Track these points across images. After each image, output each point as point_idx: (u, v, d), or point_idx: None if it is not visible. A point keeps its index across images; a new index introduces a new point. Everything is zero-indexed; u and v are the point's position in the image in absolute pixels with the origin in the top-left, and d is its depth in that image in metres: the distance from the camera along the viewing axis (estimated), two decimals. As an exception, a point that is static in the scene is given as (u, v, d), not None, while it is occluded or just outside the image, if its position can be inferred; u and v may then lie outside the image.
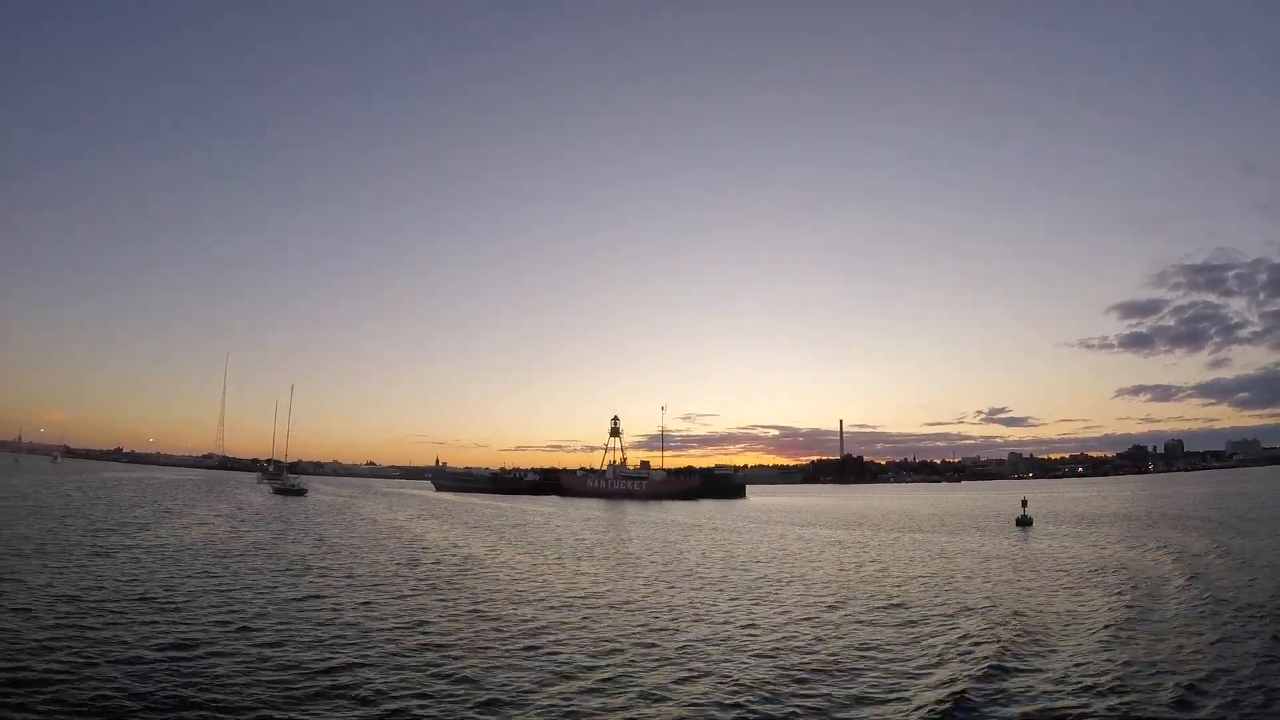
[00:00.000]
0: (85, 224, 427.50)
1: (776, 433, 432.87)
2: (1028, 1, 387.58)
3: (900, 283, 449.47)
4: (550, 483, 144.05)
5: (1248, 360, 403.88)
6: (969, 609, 20.88)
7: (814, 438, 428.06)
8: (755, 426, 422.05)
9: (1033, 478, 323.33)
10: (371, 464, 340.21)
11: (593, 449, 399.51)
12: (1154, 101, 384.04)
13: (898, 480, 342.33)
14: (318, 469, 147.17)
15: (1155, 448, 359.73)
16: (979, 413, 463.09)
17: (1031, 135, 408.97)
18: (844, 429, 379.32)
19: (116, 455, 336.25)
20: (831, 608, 21.19)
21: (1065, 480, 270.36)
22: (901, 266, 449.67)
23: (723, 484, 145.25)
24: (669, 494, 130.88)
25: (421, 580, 25.31)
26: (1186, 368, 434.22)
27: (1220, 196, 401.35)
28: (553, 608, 20.53)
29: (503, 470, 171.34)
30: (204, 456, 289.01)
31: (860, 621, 19.19)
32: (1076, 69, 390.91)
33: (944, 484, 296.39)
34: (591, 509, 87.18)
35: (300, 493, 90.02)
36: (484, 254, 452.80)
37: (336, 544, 36.85)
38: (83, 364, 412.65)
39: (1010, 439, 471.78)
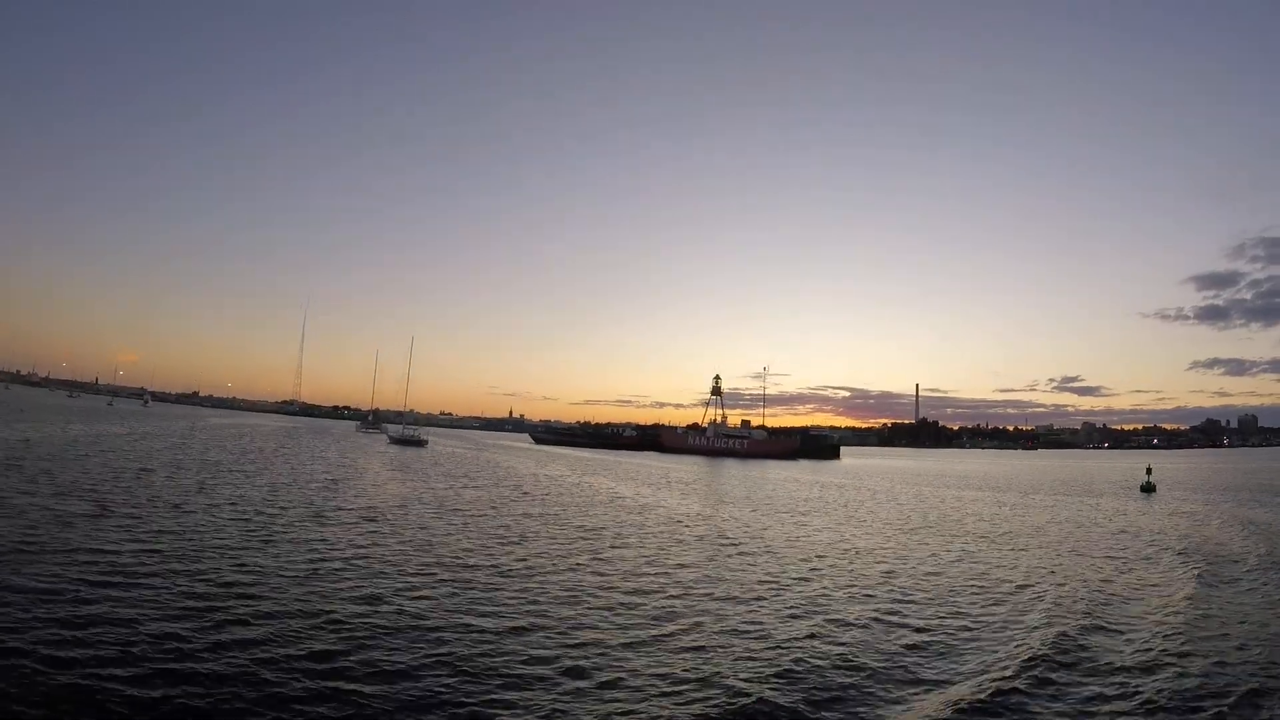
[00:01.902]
0: (168, 170, 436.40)
1: (847, 394, 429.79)
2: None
3: (975, 247, 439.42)
4: (649, 438, 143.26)
5: None
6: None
7: (884, 400, 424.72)
8: (825, 387, 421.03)
9: (1107, 447, 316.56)
10: (447, 414, 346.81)
11: (662, 404, 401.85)
12: (1238, 70, 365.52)
13: (972, 446, 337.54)
14: (398, 417, 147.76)
15: (1228, 422, 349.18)
16: (1050, 380, 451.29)
17: (1112, 102, 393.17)
18: (918, 392, 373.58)
19: (194, 399, 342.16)
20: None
21: (1141, 451, 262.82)
22: (976, 231, 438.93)
23: (820, 445, 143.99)
24: (770, 453, 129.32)
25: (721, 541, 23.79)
26: (1262, 342, 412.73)
27: None
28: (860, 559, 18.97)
29: (601, 424, 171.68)
30: (284, 403, 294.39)
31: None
32: (1158, 37, 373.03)
33: (1019, 451, 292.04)
34: (708, 466, 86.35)
35: (421, 443, 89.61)
36: (553, 211, 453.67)
37: (561, 500, 35.44)
38: (158, 305, 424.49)
39: (1081, 408, 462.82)
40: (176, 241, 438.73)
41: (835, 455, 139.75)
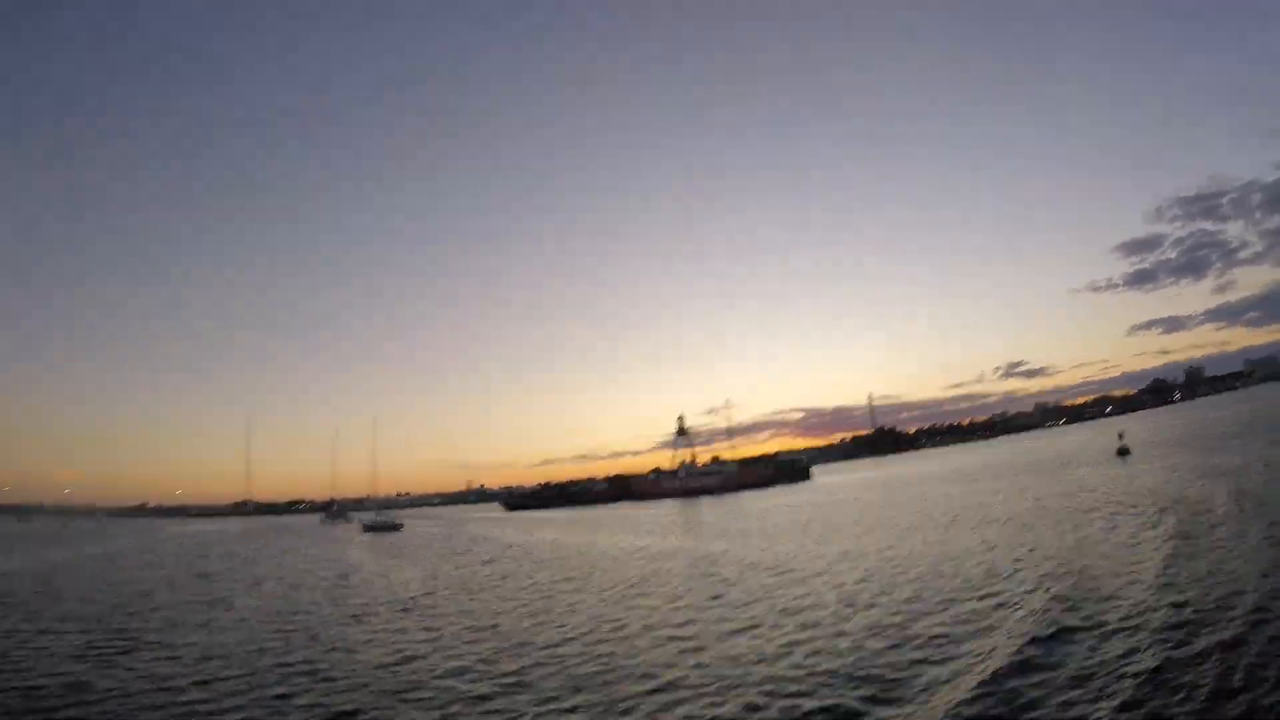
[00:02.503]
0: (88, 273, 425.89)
1: (802, 414, 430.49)
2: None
3: (907, 249, 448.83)
4: (621, 488, 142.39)
5: (1252, 280, 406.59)
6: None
7: (840, 415, 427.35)
8: (779, 412, 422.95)
9: (1064, 423, 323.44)
10: (405, 494, 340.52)
11: (620, 454, 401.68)
12: (1133, 43, 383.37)
13: (931, 445, 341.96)
14: (359, 505, 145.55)
15: (1175, 378, 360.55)
16: (997, 369, 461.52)
17: (1019, 85, 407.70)
18: (871, 402, 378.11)
19: (144, 511, 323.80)
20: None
21: (1099, 421, 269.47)
22: (906, 233, 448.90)
23: (792, 469, 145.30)
24: (745, 484, 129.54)
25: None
26: (1193, 296, 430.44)
27: (1204, 128, 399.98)
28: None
29: (568, 482, 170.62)
30: (237, 504, 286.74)
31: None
32: (1060, 13, 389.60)
33: (980, 442, 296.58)
34: (688, 506, 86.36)
35: (396, 528, 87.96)
36: (490, 276, 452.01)
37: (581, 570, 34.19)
38: (97, 418, 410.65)
39: (1031, 391, 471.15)
40: (111, 349, 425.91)
41: (807, 476, 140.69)
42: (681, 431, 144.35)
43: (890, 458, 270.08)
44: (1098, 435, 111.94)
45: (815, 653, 13.32)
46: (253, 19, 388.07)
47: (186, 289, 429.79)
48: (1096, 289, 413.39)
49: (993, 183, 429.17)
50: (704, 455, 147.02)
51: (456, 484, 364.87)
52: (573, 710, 11.52)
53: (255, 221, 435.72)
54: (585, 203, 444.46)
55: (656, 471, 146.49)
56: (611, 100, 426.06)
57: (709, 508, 76.79)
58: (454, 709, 12.18)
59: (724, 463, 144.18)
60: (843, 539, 31.63)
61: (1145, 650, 11.18)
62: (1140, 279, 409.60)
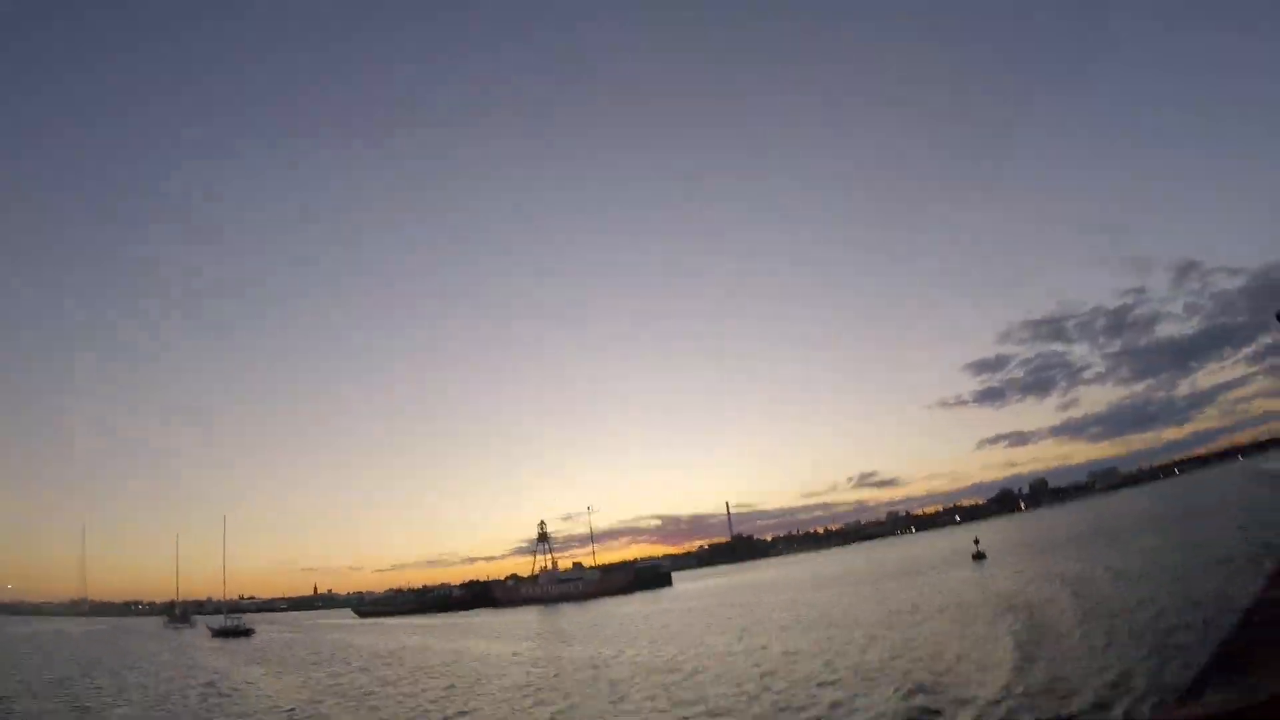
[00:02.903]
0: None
1: (659, 522, 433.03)
2: (870, 73, 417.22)
3: (761, 359, 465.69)
4: (480, 595, 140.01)
5: (1095, 398, 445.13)
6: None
7: (696, 523, 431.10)
8: (637, 519, 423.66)
9: (914, 531, 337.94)
10: (250, 598, 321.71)
11: (473, 560, 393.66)
12: (984, 173, 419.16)
13: (787, 552, 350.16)
14: (199, 608, 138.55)
15: (1021, 489, 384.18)
16: (850, 479, 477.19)
17: (879, 207, 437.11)
18: (729, 510, 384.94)
19: None
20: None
21: (947, 530, 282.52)
22: (760, 344, 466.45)
23: (653, 575, 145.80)
24: (606, 591, 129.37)
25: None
26: (1038, 412, 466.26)
27: (1056, 254, 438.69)
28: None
29: (424, 588, 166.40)
30: (73, 602, 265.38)
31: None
32: (918, 140, 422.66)
33: (834, 549, 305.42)
34: (553, 614, 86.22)
35: (248, 633, 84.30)
36: (334, 380, 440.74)
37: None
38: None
39: (882, 500, 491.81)
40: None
41: (669, 583, 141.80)
42: (542, 537, 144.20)
43: (748, 564, 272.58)
44: (952, 542, 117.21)
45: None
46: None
47: (13, 373, 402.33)
48: (947, 405, 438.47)
49: (849, 301, 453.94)
50: (564, 561, 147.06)
51: (303, 588, 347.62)
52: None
53: (90, 301, 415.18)
54: (432, 311, 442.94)
55: (514, 578, 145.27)
56: (454, 205, 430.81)
57: (573, 615, 77.19)
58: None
59: (585, 569, 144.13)
60: (718, 641, 33.81)
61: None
62: (989, 396, 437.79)
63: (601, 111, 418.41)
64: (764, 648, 29.51)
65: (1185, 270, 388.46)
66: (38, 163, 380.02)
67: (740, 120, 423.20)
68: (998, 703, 15.03)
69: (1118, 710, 12.29)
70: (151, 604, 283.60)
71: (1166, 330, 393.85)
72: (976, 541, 66.06)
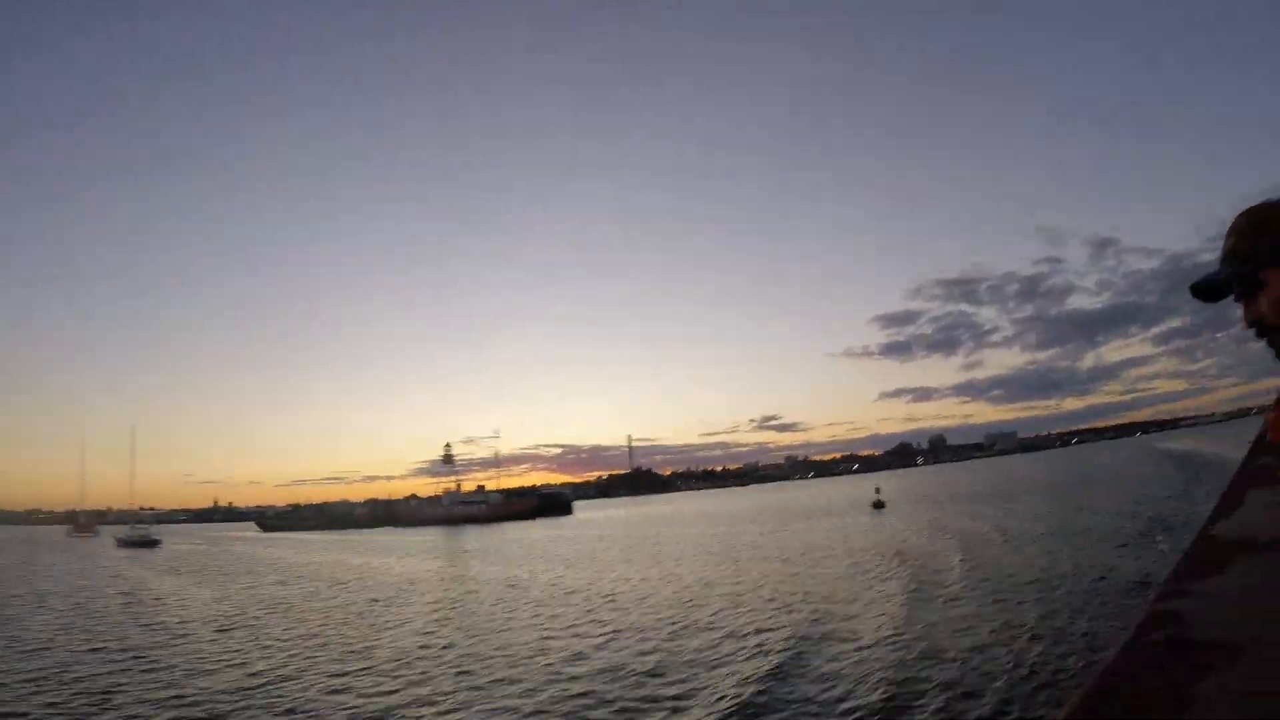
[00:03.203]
0: None
1: (559, 451, 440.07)
2: (812, 25, 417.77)
3: (668, 296, 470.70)
4: (383, 513, 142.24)
5: (999, 361, 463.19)
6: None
7: (596, 454, 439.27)
8: (538, 446, 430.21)
9: (812, 476, 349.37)
10: (149, 509, 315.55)
11: (373, 478, 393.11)
12: (919, 130, 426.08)
13: (686, 488, 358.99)
14: (99, 518, 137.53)
15: (919, 443, 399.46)
16: (751, 421, 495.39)
17: (801, 157, 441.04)
18: (630, 443, 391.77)
19: None
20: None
21: (845, 477, 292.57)
22: (674, 284, 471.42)
23: (555, 502, 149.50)
24: (508, 515, 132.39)
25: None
26: (943, 370, 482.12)
27: (975, 217, 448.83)
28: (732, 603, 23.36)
29: (327, 504, 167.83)
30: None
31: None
32: (848, 102, 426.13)
33: (733, 488, 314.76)
34: (455, 534, 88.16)
35: (154, 543, 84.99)
36: (244, 286, 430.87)
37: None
38: None
39: (782, 444, 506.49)
40: None
41: (569, 511, 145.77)
42: (447, 459, 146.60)
43: (646, 497, 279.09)
44: (852, 489, 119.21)
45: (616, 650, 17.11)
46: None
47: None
48: (853, 354, 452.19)
49: (763, 244, 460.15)
50: (466, 485, 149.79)
51: (203, 501, 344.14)
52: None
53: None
54: (345, 228, 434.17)
55: (415, 498, 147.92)
56: (396, 119, 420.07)
57: (478, 536, 79.17)
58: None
59: (489, 493, 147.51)
60: (626, 569, 36.02)
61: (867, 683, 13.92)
62: (895, 349, 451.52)
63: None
64: (678, 576, 31.55)
65: (1102, 246, 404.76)
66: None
67: (667, 55, 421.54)
68: (885, 640, 16.76)
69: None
70: (52, 513, 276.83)
71: (1077, 302, 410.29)
72: (877, 490, 67.61)
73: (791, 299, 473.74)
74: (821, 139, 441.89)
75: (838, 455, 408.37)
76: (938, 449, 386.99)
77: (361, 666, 18.58)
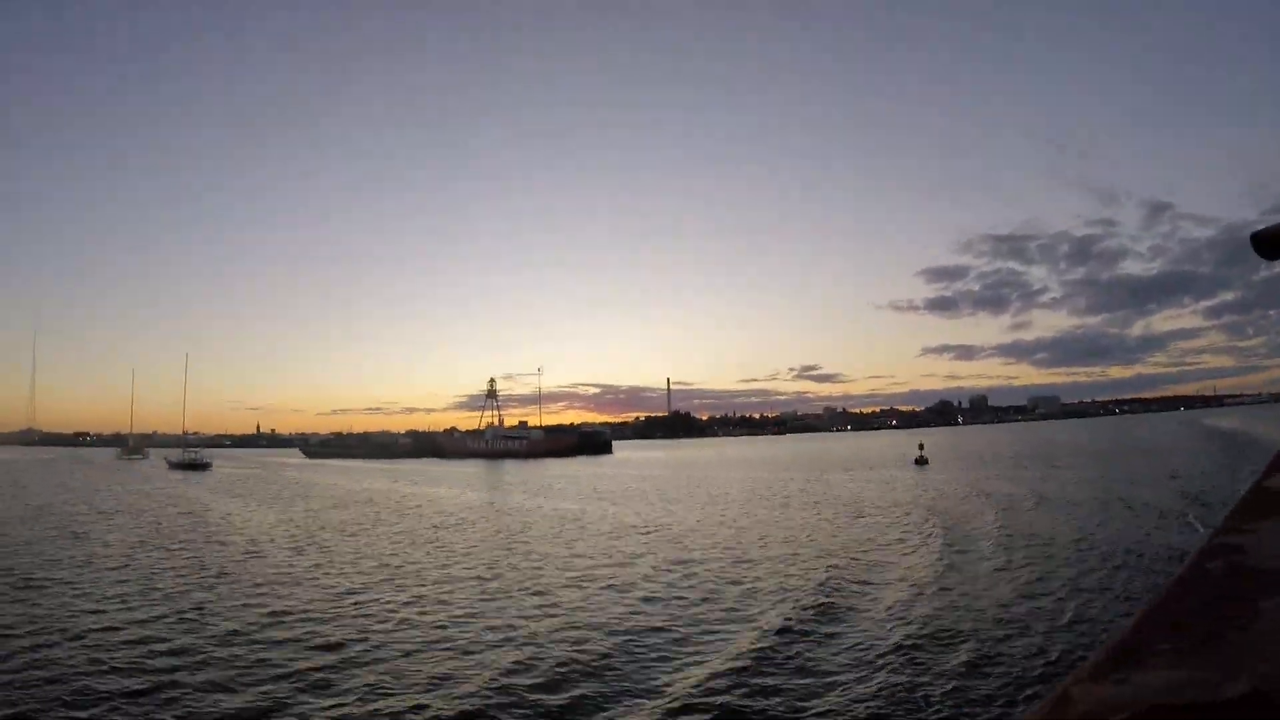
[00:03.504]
0: None
1: (597, 390, 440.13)
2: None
3: (717, 243, 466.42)
4: (426, 445, 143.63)
5: (1047, 324, 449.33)
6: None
7: (634, 395, 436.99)
8: (576, 385, 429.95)
9: (850, 429, 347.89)
10: (195, 433, 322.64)
11: (413, 410, 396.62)
12: (972, 80, 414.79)
13: (725, 434, 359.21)
14: (146, 440, 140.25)
15: (960, 402, 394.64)
16: (792, 370, 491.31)
17: (850, 104, 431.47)
18: (670, 385, 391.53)
19: None
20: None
21: (883, 432, 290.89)
22: (717, 228, 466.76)
23: (595, 441, 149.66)
24: (549, 452, 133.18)
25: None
26: (989, 329, 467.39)
27: (1028, 172, 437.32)
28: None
29: (372, 433, 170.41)
30: (20, 432, 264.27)
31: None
32: (899, 48, 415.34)
33: (770, 436, 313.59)
34: (500, 468, 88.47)
35: (205, 466, 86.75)
36: (294, 215, 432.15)
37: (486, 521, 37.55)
38: None
39: (820, 394, 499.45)
40: None
41: (609, 450, 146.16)
42: (491, 394, 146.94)
43: (684, 441, 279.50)
44: (892, 444, 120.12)
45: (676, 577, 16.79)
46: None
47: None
48: (898, 308, 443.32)
49: (809, 192, 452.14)
50: (506, 420, 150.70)
51: (246, 426, 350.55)
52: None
53: (50, 131, 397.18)
54: (396, 163, 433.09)
55: (454, 430, 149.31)
56: (429, 64, 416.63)
57: (521, 471, 79.33)
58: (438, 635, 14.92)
59: (530, 429, 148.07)
60: (679, 509, 35.83)
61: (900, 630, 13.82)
62: (941, 305, 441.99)
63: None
64: (730, 518, 31.77)
65: (1157, 210, 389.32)
66: None
67: (707, 10, 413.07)
68: (933, 583, 17.18)
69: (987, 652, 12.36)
70: (100, 435, 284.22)
71: (1129, 268, 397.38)
72: (921, 447, 67.47)
73: (837, 248, 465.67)
74: (873, 86, 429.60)
75: (877, 409, 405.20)
76: (979, 409, 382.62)
77: (434, 586, 18.84)
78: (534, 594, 17.61)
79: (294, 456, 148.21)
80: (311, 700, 11.10)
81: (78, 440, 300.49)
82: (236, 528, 32.11)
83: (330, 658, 13.06)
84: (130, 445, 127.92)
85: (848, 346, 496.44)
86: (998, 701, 10.38)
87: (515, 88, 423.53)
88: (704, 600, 16.64)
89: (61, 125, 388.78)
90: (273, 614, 16.03)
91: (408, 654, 13.24)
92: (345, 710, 10.74)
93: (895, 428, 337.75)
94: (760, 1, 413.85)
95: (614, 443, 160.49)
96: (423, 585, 18.98)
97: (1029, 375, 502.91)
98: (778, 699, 10.80)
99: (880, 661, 12.19)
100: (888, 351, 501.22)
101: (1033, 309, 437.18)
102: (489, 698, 11.10)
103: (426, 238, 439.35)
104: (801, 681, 11.48)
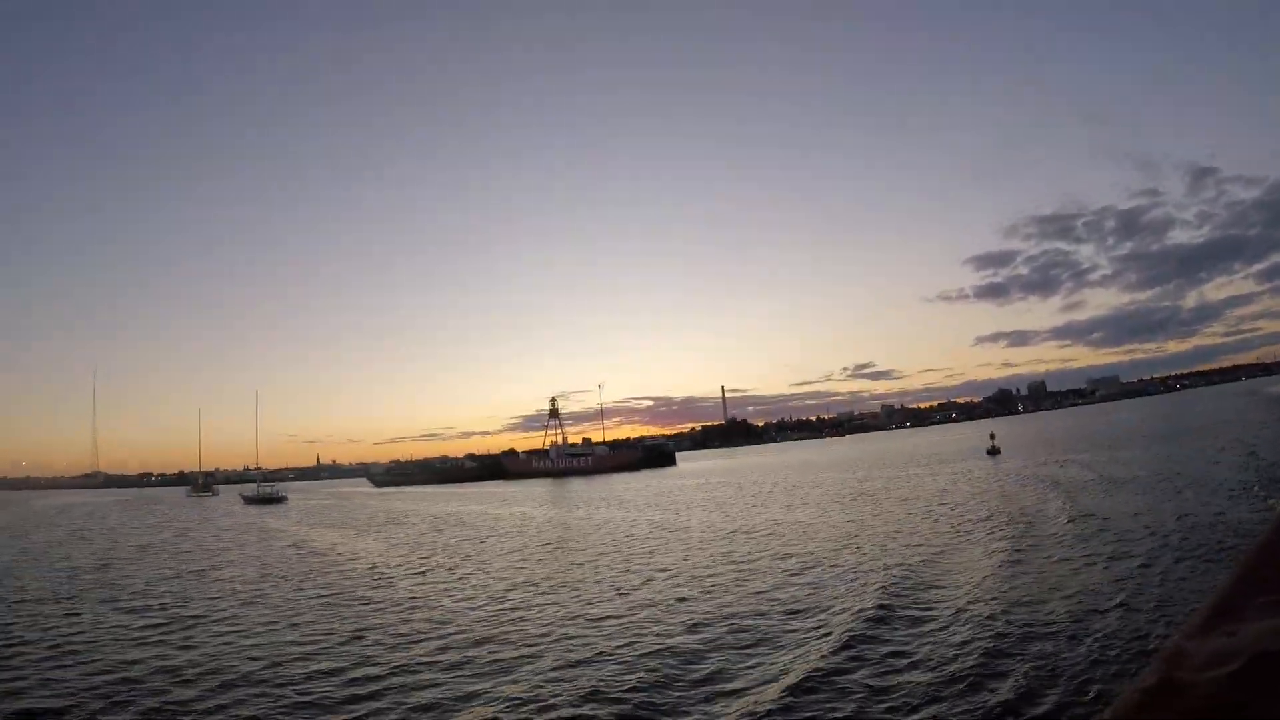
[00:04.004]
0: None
1: (651, 403, 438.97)
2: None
3: (758, 243, 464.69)
4: (491, 467, 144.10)
5: (1099, 302, 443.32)
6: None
7: (688, 405, 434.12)
8: (629, 399, 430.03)
9: (909, 426, 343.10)
10: (258, 468, 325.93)
11: (468, 434, 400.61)
12: (1004, 57, 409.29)
13: (782, 439, 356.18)
14: (209, 478, 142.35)
15: (1018, 390, 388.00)
16: (845, 369, 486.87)
17: (883, 96, 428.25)
18: (724, 393, 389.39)
19: None
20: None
21: (942, 426, 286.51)
22: (759, 232, 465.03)
23: (659, 453, 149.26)
24: (614, 467, 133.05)
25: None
26: (1041, 313, 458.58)
27: (1067, 148, 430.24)
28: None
29: (439, 459, 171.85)
30: (86, 475, 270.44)
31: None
32: (927, 28, 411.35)
33: (828, 439, 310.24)
34: (567, 486, 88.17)
35: (281, 500, 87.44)
36: (336, 245, 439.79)
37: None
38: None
39: (876, 392, 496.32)
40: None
41: (672, 462, 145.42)
42: (554, 412, 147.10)
43: (742, 448, 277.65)
44: (957, 437, 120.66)
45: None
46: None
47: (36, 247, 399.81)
48: (947, 298, 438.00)
49: (851, 187, 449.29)
50: (549, 439, 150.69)
51: (306, 459, 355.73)
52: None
53: (110, 173, 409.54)
54: (438, 187, 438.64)
55: (510, 452, 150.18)
56: (473, 82, 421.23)
57: (591, 488, 78.84)
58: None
59: (594, 445, 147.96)
60: (771, 511, 35.88)
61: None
62: (991, 292, 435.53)
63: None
64: (824, 517, 31.83)
65: (1200, 175, 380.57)
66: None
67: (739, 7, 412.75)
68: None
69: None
70: (164, 475, 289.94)
71: (1177, 237, 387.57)
72: (992, 437, 68.46)
73: (882, 243, 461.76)
74: (909, 80, 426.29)
75: (934, 403, 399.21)
76: (1037, 395, 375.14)
77: (569, 591, 19.28)
78: (676, 595, 17.92)
79: (361, 485, 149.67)
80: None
81: (143, 481, 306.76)
82: (348, 556, 31.61)
83: (511, 666, 13.03)
84: (200, 483, 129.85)
85: (900, 342, 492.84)
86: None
87: (552, 101, 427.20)
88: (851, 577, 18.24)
89: (120, 165, 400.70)
90: (434, 625, 16.38)
91: (581, 660, 13.07)
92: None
93: (956, 420, 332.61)
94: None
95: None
96: (562, 593, 19.13)
97: (1085, 357, 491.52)
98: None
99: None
100: (940, 344, 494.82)
101: (1084, 288, 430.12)
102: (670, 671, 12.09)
103: (471, 261, 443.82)
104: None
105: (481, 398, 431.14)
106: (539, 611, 17.05)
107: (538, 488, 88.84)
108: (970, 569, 18.18)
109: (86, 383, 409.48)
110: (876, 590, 16.46)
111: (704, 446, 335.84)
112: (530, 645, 14.22)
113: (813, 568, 20.12)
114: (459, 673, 12.89)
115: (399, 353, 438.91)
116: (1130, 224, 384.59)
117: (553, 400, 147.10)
